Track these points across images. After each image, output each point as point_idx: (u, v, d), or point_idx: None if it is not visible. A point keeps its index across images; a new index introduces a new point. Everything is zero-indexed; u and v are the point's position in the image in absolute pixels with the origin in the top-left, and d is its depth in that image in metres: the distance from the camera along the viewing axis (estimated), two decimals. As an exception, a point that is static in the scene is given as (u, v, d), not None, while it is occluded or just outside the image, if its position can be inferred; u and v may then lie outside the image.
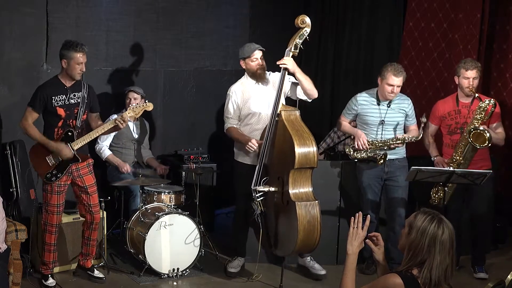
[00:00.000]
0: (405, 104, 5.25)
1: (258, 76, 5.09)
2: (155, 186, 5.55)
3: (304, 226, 4.62)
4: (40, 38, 5.57)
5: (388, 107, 5.19)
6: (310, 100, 5.16)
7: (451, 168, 4.90)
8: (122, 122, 4.83)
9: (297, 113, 4.92)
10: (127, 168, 5.81)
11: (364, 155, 5.20)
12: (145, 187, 5.48)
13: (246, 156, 5.12)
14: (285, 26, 7.38)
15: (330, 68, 7.71)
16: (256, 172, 4.92)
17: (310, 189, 4.79)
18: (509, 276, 3.38)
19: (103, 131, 4.89)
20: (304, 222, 4.62)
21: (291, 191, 4.71)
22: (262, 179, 4.89)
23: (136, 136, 6.04)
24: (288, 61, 4.90)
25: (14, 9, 5.38)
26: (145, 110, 5.03)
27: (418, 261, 2.73)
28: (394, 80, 5.06)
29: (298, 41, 4.88)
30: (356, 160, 5.36)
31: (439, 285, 2.71)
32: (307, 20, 4.87)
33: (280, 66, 4.93)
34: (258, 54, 5.08)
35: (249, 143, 4.95)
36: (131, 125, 5.96)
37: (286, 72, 4.93)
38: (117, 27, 6.10)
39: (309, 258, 5.27)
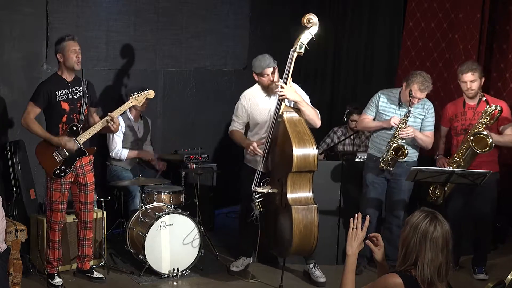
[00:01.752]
0: (423, 109, 5.10)
1: (270, 90, 4.97)
2: (155, 186, 5.55)
3: (300, 230, 4.58)
4: (40, 38, 5.56)
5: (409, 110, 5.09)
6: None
7: (451, 168, 4.89)
8: (112, 123, 4.78)
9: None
10: (150, 155, 5.94)
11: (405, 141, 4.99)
12: (145, 187, 5.49)
13: (252, 160, 5.07)
14: (285, 26, 7.41)
15: (330, 68, 7.71)
16: (256, 173, 4.89)
17: (310, 193, 4.70)
18: (509, 276, 3.38)
19: (101, 127, 4.81)
20: (300, 226, 4.58)
21: (289, 195, 4.65)
22: (263, 180, 4.85)
23: (140, 135, 6.04)
24: (286, 91, 4.70)
25: (14, 9, 5.37)
26: (147, 98, 5.04)
27: (413, 260, 2.73)
28: (417, 93, 4.94)
29: (304, 41, 4.67)
30: (363, 160, 5.36)
31: (432, 283, 2.70)
32: (314, 19, 4.67)
33: (277, 93, 4.73)
34: (269, 70, 4.91)
35: (250, 148, 4.88)
36: (136, 126, 5.96)
37: (284, 102, 4.73)
38: (117, 27, 6.09)
39: (312, 264, 5.23)
